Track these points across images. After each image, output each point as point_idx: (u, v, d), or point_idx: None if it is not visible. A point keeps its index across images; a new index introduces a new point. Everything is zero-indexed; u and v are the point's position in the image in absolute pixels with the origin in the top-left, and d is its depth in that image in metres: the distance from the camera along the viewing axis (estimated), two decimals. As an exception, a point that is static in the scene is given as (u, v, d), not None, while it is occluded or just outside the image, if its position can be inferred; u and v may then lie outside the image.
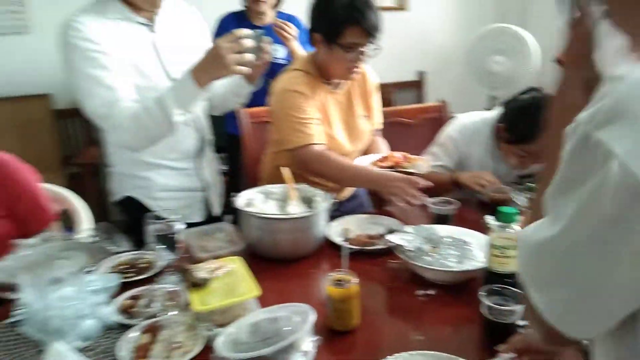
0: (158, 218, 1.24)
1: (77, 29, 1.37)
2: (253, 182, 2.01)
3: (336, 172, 1.61)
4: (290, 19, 2.42)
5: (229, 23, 2.41)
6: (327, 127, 1.69)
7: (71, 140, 3.32)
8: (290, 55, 2.33)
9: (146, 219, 1.25)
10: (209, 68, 1.34)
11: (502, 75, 3.43)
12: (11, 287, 1.20)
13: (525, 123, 1.69)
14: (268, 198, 1.48)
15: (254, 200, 1.44)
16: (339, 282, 1.05)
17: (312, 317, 0.95)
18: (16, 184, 1.58)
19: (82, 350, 1.00)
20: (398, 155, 1.72)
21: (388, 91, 4.05)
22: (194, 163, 1.64)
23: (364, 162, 1.70)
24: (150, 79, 1.46)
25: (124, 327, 1.07)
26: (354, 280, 1.05)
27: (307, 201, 1.47)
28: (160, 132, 1.42)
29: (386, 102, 4.12)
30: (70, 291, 1.11)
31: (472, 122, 1.93)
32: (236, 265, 1.15)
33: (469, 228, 1.37)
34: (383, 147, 1.88)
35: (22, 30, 3.06)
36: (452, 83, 4.02)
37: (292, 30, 2.30)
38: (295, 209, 1.41)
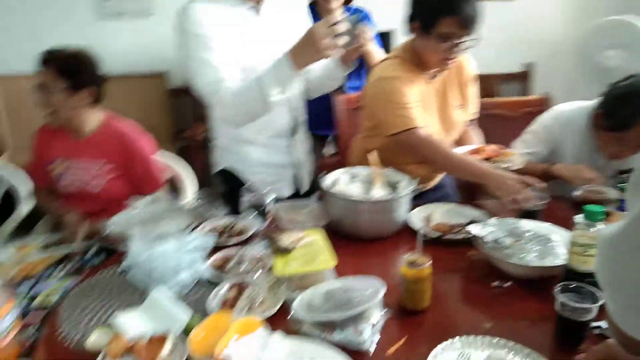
0: (252, 190, 1.34)
1: (190, 15, 1.50)
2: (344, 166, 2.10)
3: (443, 159, 1.59)
4: (361, 15, 2.35)
5: None
6: (422, 115, 1.70)
7: (182, 117, 3.60)
8: (365, 59, 2.25)
9: (242, 190, 1.36)
10: (304, 52, 1.40)
11: (617, 71, 3.19)
12: (124, 239, 1.38)
13: (624, 109, 1.60)
14: (353, 179, 1.54)
15: (340, 181, 1.51)
16: (412, 263, 1.08)
17: (382, 290, 1.00)
18: (134, 150, 1.79)
19: (178, 298, 1.14)
20: (491, 148, 1.69)
21: (491, 82, 3.92)
22: (287, 141, 1.74)
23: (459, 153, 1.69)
24: (253, 60, 1.56)
25: (215, 283, 1.20)
26: (427, 263, 1.08)
27: (392, 185, 1.52)
28: (258, 110, 1.52)
29: (489, 94, 3.99)
30: (172, 247, 1.26)
31: (569, 109, 1.85)
32: (317, 237, 1.23)
33: (557, 224, 1.34)
34: (476, 139, 1.86)
35: (145, 14, 3.36)
36: (561, 77, 3.80)
37: (368, 33, 2.16)
38: (379, 192, 1.46)
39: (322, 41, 1.35)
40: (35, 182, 1.90)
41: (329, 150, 3.17)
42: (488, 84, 3.92)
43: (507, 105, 2.25)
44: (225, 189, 1.80)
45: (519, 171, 1.53)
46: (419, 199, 1.58)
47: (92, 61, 1.76)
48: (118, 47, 3.38)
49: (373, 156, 1.53)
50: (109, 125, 1.80)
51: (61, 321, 1.10)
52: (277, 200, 1.46)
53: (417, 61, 1.67)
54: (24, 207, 2.03)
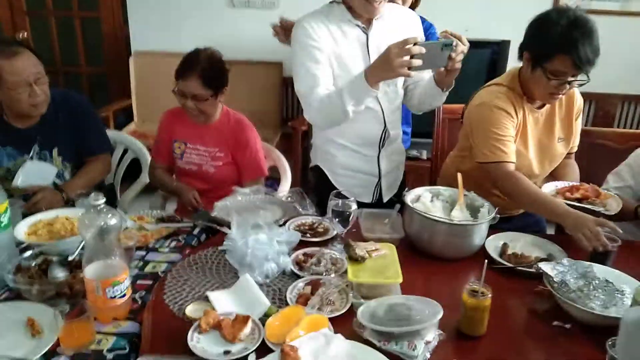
0: (340, 197, 1.48)
1: (303, 28, 1.66)
2: (435, 175, 2.17)
3: (523, 196, 1.61)
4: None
5: None
6: (520, 145, 1.73)
7: (291, 105, 3.83)
8: None
9: (331, 195, 1.50)
10: (378, 69, 1.49)
11: None
12: (226, 223, 1.58)
13: None
14: (436, 198, 1.62)
15: (423, 198, 1.60)
16: (473, 292, 1.16)
17: (439, 314, 1.10)
18: (244, 139, 2.01)
19: (262, 285, 1.31)
20: (588, 187, 1.66)
21: (613, 103, 3.71)
22: (374, 151, 1.83)
23: (550, 188, 1.70)
24: (350, 73, 1.65)
25: (295, 276, 1.36)
26: (487, 295, 1.16)
27: (473, 209, 1.57)
28: (337, 118, 1.64)
29: (607, 114, 3.77)
30: (263, 237, 1.43)
31: None
32: (390, 252, 1.34)
33: (635, 272, 1.33)
34: (573, 173, 1.84)
35: (271, 6, 3.60)
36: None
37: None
38: (459, 214, 1.53)
39: (395, 60, 1.42)
40: (156, 157, 2.18)
41: (422, 154, 3.23)
42: (608, 103, 3.71)
43: (613, 137, 2.16)
44: (316, 184, 1.96)
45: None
46: (503, 223, 1.61)
47: (224, 63, 1.98)
48: (243, 35, 3.66)
49: (459, 178, 1.59)
50: (227, 115, 2.05)
51: (166, 290, 1.32)
52: (360, 205, 1.58)
53: (524, 90, 1.69)
54: (146, 177, 2.33)
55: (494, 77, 3.09)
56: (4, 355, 1.08)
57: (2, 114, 1.90)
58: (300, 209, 1.70)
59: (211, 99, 1.93)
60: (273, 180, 2.44)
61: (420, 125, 2.57)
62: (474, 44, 3.18)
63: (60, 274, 1.33)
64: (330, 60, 1.67)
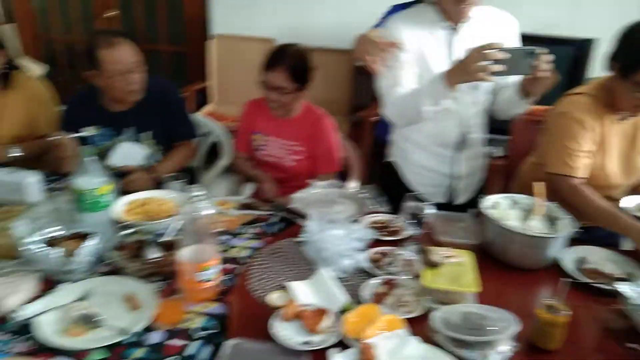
0: (416, 199, 1.51)
1: (389, 28, 1.71)
2: (509, 178, 2.15)
3: (588, 209, 1.63)
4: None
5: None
6: (600, 156, 1.70)
7: (362, 94, 3.84)
8: None
9: (406, 196, 1.54)
10: (457, 71, 1.51)
11: None
12: (302, 215, 1.66)
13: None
14: (514, 206, 1.62)
15: (500, 205, 1.60)
16: (550, 308, 1.18)
17: (514, 327, 1.13)
18: (322, 135, 2.07)
19: (338, 280, 1.38)
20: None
21: None
22: (451, 153, 1.85)
23: (633, 202, 1.67)
24: (432, 74, 1.64)
25: (369, 274, 1.42)
26: (564, 312, 1.17)
27: (551, 220, 1.56)
28: (413, 117, 1.68)
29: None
30: (340, 233, 1.49)
31: None
32: (466, 259, 1.37)
33: None
34: None
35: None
36: None
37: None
38: (536, 225, 1.53)
39: (473, 64, 1.43)
40: (237, 146, 2.28)
41: (498, 151, 3.17)
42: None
43: None
44: (389, 180, 1.99)
45: None
46: (582, 234, 1.60)
47: (311, 60, 2.03)
48: (318, 22, 3.70)
49: (540, 188, 1.58)
50: (308, 110, 2.10)
51: (249, 276, 1.41)
52: (433, 205, 1.60)
53: (609, 101, 1.65)
54: (225, 160, 2.45)
55: (576, 77, 3.00)
56: (110, 325, 1.21)
57: (101, 97, 2.05)
58: (374, 207, 1.74)
59: (294, 93, 2.00)
60: (340, 172, 2.49)
61: (495, 121, 2.53)
62: (557, 41, 3.09)
63: (154, 253, 1.45)
64: (414, 61, 1.69)
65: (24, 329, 1.21)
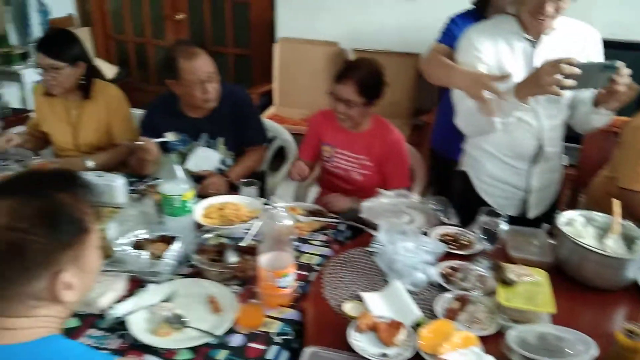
0: (490, 214, 1.51)
1: (469, 38, 1.72)
2: (579, 188, 2.10)
3: None
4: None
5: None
6: None
7: (425, 99, 3.82)
8: None
9: (480, 210, 1.54)
10: (528, 84, 1.51)
11: None
12: (372, 225, 1.69)
13: None
14: (589, 223, 1.59)
15: (575, 222, 1.57)
16: (630, 333, 1.16)
17: (593, 351, 1.12)
18: (394, 152, 2.07)
19: (409, 293, 1.40)
20: None
21: None
22: (525, 166, 1.82)
23: None
24: (509, 86, 1.61)
25: (441, 288, 1.43)
26: (646, 338, 1.15)
27: (629, 240, 1.52)
28: (483, 127, 1.69)
29: None
30: (411, 245, 1.52)
31: None
32: (542, 279, 1.36)
33: None
34: None
35: (414, -2, 3.60)
36: None
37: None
38: (613, 244, 1.49)
39: (544, 77, 1.43)
40: (301, 153, 2.29)
41: (568, 160, 3.08)
42: None
43: None
44: (459, 189, 1.99)
45: None
46: None
47: (384, 76, 2.03)
48: (382, 25, 3.71)
49: (617, 205, 1.54)
50: (379, 124, 2.10)
51: (323, 284, 1.46)
52: (507, 221, 1.59)
53: None
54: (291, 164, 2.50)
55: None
56: (195, 327, 1.29)
57: (179, 104, 2.16)
58: (444, 219, 1.75)
59: (362, 107, 1.99)
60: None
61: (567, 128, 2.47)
62: (633, 46, 2.95)
63: (233, 258, 1.52)
64: (491, 73, 1.68)
65: (117, 326, 1.30)
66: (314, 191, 2.44)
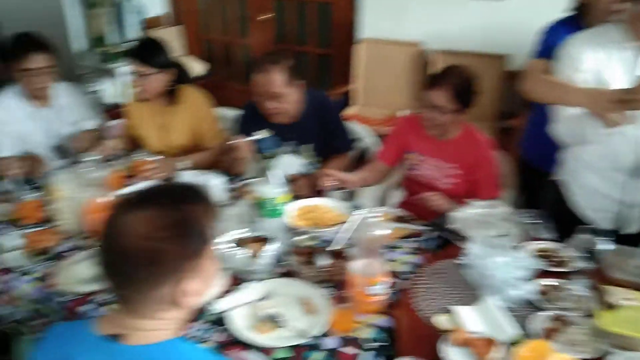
0: (591, 232, 1.46)
1: (569, 46, 1.68)
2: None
3: None
4: None
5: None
6: None
7: (512, 101, 3.70)
8: None
9: (578, 228, 1.49)
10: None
11: None
12: (461, 236, 1.68)
13: None
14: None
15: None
16: None
17: None
18: (484, 161, 2.04)
19: (504, 310, 1.38)
20: None
21: None
22: (625, 177, 1.74)
23: None
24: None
25: (536, 307, 1.40)
26: None
27: None
28: (580, 137, 1.65)
29: None
30: (504, 260, 1.49)
31: None
32: (647, 305, 1.30)
33: None
34: None
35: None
36: None
37: None
38: None
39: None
40: (381, 156, 2.28)
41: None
42: None
43: None
44: (552, 199, 1.93)
45: None
46: None
47: (476, 84, 2.00)
48: (468, 26, 3.63)
49: None
50: (469, 133, 2.07)
51: (414, 294, 1.48)
52: (610, 240, 1.52)
53: None
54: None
55: None
56: (292, 326, 1.35)
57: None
58: (539, 233, 1.70)
59: (452, 114, 1.96)
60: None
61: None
62: None
63: (324, 261, 1.56)
64: (591, 82, 1.62)
65: (219, 320, 1.39)
66: (396, 195, 2.44)
